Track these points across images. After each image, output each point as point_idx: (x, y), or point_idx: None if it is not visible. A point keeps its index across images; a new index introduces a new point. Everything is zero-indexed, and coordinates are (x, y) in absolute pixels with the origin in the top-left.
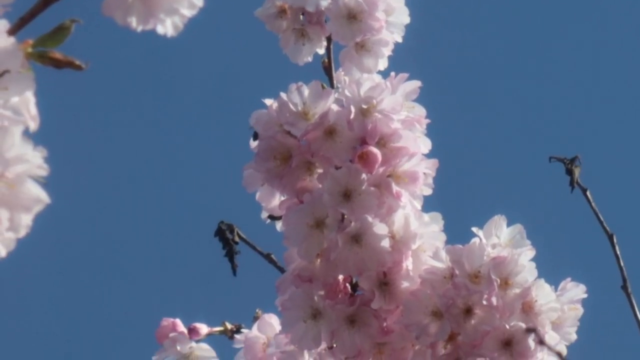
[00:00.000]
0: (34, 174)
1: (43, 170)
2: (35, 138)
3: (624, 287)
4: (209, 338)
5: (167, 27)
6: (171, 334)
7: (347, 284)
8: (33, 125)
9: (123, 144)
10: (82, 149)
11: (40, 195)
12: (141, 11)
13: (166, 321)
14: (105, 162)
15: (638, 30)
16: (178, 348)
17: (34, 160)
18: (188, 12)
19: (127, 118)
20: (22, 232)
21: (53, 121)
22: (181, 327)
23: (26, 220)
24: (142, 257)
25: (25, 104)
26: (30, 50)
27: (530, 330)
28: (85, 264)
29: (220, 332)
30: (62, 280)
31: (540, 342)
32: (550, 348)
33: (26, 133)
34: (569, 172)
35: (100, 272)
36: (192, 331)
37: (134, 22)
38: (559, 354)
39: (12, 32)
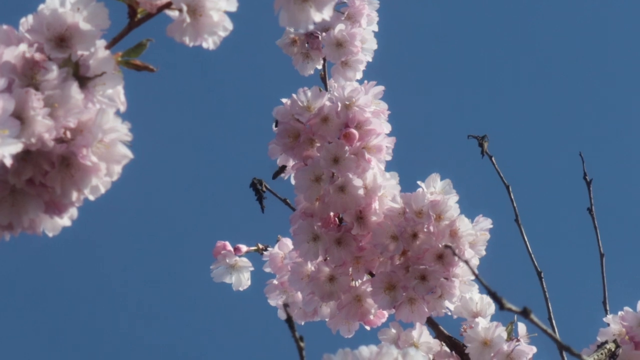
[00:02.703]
0: (122, 139)
1: (128, 137)
2: (123, 116)
3: (516, 221)
4: (247, 254)
5: (209, 43)
6: (222, 252)
7: (336, 218)
8: (122, 108)
9: (189, 122)
10: (156, 124)
11: (126, 153)
12: (192, 33)
13: (219, 243)
14: (184, 127)
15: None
16: (227, 261)
17: (122, 130)
18: (223, 34)
19: (188, 107)
20: (115, 177)
21: (135, 105)
22: (229, 247)
23: (117, 169)
24: (207, 203)
25: (117, 94)
26: (119, 59)
27: (447, 246)
28: (166, 203)
29: (255, 250)
30: (148, 212)
31: (454, 253)
32: (460, 258)
33: (117, 113)
34: (481, 145)
35: (180, 208)
36: (237, 249)
37: (187, 40)
38: (465, 262)
39: (108, 47)
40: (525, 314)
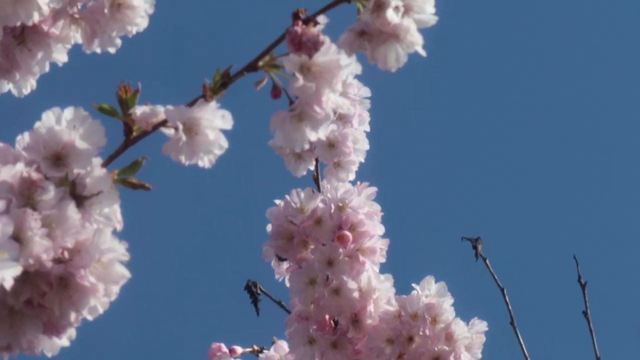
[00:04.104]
0: (119, 259)
1: (125, 257)
2: (120, 235)
3: (512, 324)
4: (243, 356)
5: (205, 162)
6: (218, 353)
7: (332, 321)
8: (119, 227)
9: (184, 238)
10: (152, 242)
11: (124, 273)
12: (187, 152)
13: (214, 345)
14: (179, 243)
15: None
16: None
17: (120, 250)
18: (218, 152)
19: (183, 220)
20: (113, 298)
21: (132, 224)
22: (224, 349)
23: (115, 289)
24: (202, 305)
25: (114, 213)
26: (116, 177)
27: None
28: (161, 305)
29: (250, 351)
30: (142, 324)
31: None
32: None
33: (114, 232)
34: (475, 247)
35: (172, 313)
36: (232, 351)
37: (183, 159)
38: None
39: (104, 165)
40: None
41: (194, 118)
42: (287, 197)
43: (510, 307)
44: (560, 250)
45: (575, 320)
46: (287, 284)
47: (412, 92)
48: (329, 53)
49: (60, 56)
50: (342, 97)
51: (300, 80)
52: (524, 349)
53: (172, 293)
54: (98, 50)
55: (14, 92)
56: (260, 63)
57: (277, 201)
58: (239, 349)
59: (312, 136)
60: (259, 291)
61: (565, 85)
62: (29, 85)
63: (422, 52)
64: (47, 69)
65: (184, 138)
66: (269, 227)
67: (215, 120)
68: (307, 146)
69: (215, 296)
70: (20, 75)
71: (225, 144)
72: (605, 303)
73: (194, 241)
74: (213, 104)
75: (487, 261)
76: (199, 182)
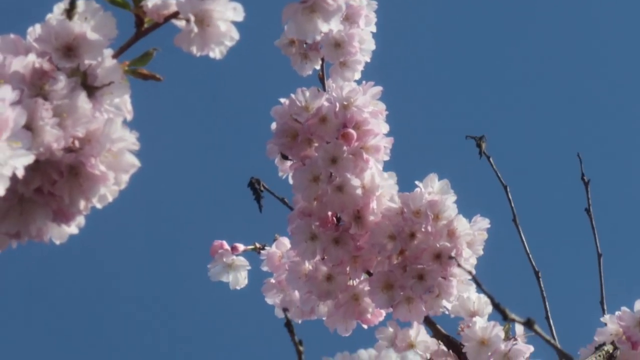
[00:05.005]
0: (130, 148)
1: (135, 146)
2: (130, 125)
3: (514, 221)
4: (245, 253)
5: (216, 53)
6: (220, 251)
7: (334, 218)
8: (129, 117)
9: (191, 130)
10: (161, 131)
11: (134, 162)
12: (199, 43)
13: (216, 242)
14: (185, 136)
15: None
16: (224, 260)
17: (130, 139)
18: (229, 43)
19: (191, 113)
20: (122, 186)
21: (141, 114)
22: (226, 246)
23: (125, 178)
24: (204, 202)
25: (124, 103)
26: (126, 68)
27: (452, 257)
28: (164, 202)
29: (252, 249)
30: (145, 212)
31: (458, 265)
32: (465, 270)
33: (124, 122)
34: (479, 145)
35: (178, 208)
36: (234, 249)
37: (194, 50)
38: (470, 272)
39: (115, 56)
40: (529, 324)
41: (206, 10)
42: (293, 95)
43: (513, 205)
44: (564, 148)
45: (578, 218)
46: (291, 181)
47: None
48: None
49: None
50: None
51: None
52: (526, 246)
53: (177, 187)
54: None
55: None
56: None
57: (282, 99)
58: (241, 247)
59: (324, 27)
60: (262, 188)
61: None
62: None
63: None
64: None
65: (195, 29)
66: (274, 125)
67: (226, 12)
68: (318, 38)
69: (218, 193)
70: None
71: (236, 35)
72: (608, 200)
73: (201, 135)
74: None
75: (491, 159)
76: (207, 78)
